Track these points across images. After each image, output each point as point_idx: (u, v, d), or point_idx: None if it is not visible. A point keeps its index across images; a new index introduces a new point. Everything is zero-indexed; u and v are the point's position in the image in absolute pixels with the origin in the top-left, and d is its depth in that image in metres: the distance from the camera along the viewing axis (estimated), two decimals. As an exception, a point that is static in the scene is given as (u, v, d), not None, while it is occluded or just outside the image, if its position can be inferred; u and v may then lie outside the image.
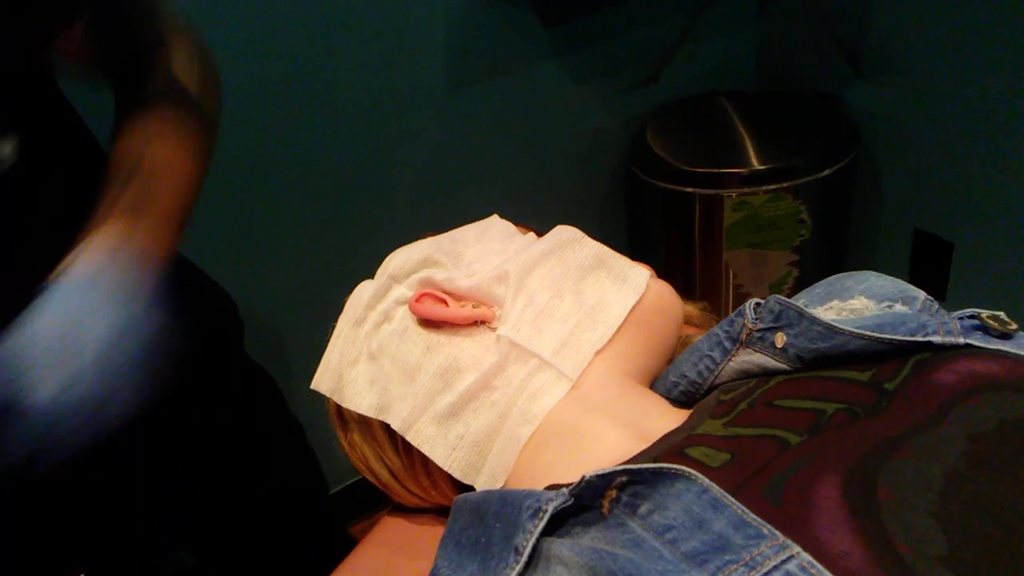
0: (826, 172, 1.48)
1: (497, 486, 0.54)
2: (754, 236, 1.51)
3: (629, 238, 1.77)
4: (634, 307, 0.58)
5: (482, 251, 0.62)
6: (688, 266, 1.58)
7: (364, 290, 0.63)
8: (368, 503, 1.44)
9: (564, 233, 0.62)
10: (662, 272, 0.62)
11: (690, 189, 1.50)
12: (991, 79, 1.37)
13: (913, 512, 0.36)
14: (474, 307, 0.58)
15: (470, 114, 1.46)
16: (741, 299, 1.58)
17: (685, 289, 1.51)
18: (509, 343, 0.56)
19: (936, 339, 0.46)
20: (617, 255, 0.61)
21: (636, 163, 1.59)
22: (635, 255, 0.61)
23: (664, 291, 0.60)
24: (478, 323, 0.58)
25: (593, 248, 0.61)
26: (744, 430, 0.45)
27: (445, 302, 0.59)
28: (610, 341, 0.56)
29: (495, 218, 0.67)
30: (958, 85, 1.42)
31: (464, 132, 1.46)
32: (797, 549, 0.35)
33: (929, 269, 1.59)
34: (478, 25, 1.39)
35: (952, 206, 1.52)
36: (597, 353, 0.56)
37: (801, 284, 1.56)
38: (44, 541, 0.66)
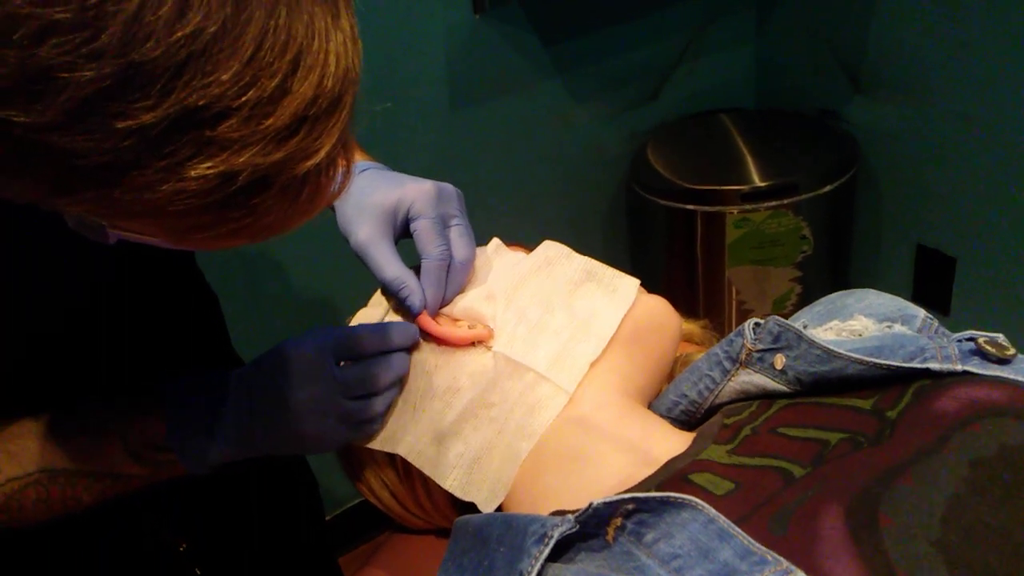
0: (827, 188, 1.48)
1: (497, 504, 0.54)
2: (756, 253, 1.51)
3: (631, 256, 1.77)
4: (628, 323, 0.58)
5: (472, 271, 0.63)
6: (691, 283, 1.58)
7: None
8: (369, 526, 1.43)
9: (551, 249, 0.63)
10: (664, 290, 0.62)
11: (692, 206, 1.50)
12: (991, 93, 1.37)
13: (915, 540, 0.36)
14: (470, 327, 0.59)
15: (471, 133, 1.47)
16: (744, 316, 1.58)
17: (688, 307, 1.51)
18: (504, 359, 0.57)
19: (934, 365, 0.46)
20: (605, 267, 0.61)
21: (637, 181, 1.59)
22: (637, 273, 0.61)
23: (657, 306, 0.60)
24: (475, 343, 0.58)
25: (581, 262, 0.62)
26: (749, 459, 0.45)
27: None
28: (605, 355, 0.56)
29: (493, 241, 0.67)
30: (958, 100, 1.42)
31: (465, 151, 1.47)
32: (801, 574, 0.35)
33: (932, 284, 1.59)
34: (479, 45, 1.40)
35: (954, 221, 1.52)
36: (593, 366, 0.56)
37: (804, 300, 1.55)
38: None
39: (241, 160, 0.33)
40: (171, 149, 0.32)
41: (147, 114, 0.31)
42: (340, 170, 0.39)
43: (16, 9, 0.28)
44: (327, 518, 1.53)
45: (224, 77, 0.32)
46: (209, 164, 0.33)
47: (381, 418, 0.57)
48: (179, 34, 0.30)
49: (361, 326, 0.56)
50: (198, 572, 0.74)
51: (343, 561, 0.97)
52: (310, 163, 0.35)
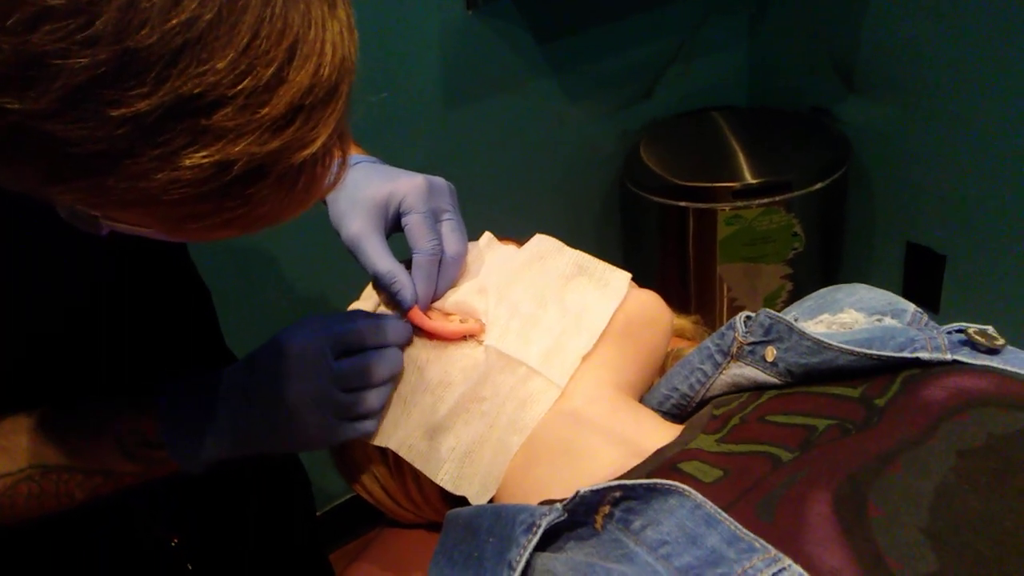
0: (819, 186, 1.49)
1: (488, 497, 0.54)
2: (748, 249, 1.51)
3: (624, 252, 1.78)
4: (620, 316, 0.58)
5: (464, 266, 0.63)
6: (683, 280, 1.59)
7: None
8: (361, 521, 1.43)
9: (543, 243, 0.63)
10: (657, 285, 0.62)
11: (684, 203, 1.50)
12: (981, 93, 1.38)
13: (904, 528, 0.36)
14: (462, 321, 0.59)
15: (466, 131, 1.47)
16: (736, 312, 1.57)
17: (680, 303, 1.50)
18: (496, 353, 0.57)
19: (924, 355, 0.46)
20: (597, 261, 0.61)
21: (630, 178, 1.60)
22: (630, 269, 0.61)
23: (649, 299, 0.60)
24: (467, 337, 0.58)
25: (572, 256, 0.62)
26: (737, 446, 0.46)
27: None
28: (597, 349, 0.56)
29: (485, 236, 0.67)
30: (949, 99, 1.43)
31: (459, 148, 1.47)
32: (788, 562, 0.36)
33: (922, 282, 1.60)
34: (473, 43, 1.40)
35: (944, 219, 1.52)
36: (584, 359, 0.56)
37: (795, 297, 1.55)
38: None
39: (237, 149, 0.33)
40: (166, 138, 0.32)
41: (142, 102, 0.31)
42: (336, 161, 0.39)
43: None
44: (318, 514, 1.53)
45: (220, 65, 0.31)
46: (204, 153, 0.33)
47: (377, 415, 0.57)
48: (174, 21, 0.30)
49: (357, 319, 0.56)
50: (190, 568, 0.74)
51: (334, 557, 0.97)
52: (306, 153, 0.35)
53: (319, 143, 0.36)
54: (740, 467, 0.43)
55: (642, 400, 0.60)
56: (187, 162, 0.33)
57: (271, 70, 0.33)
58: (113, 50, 0.30)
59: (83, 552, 0.67)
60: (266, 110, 0.33)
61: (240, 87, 0.32)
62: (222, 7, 0.31)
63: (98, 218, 0.37)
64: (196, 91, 0.31)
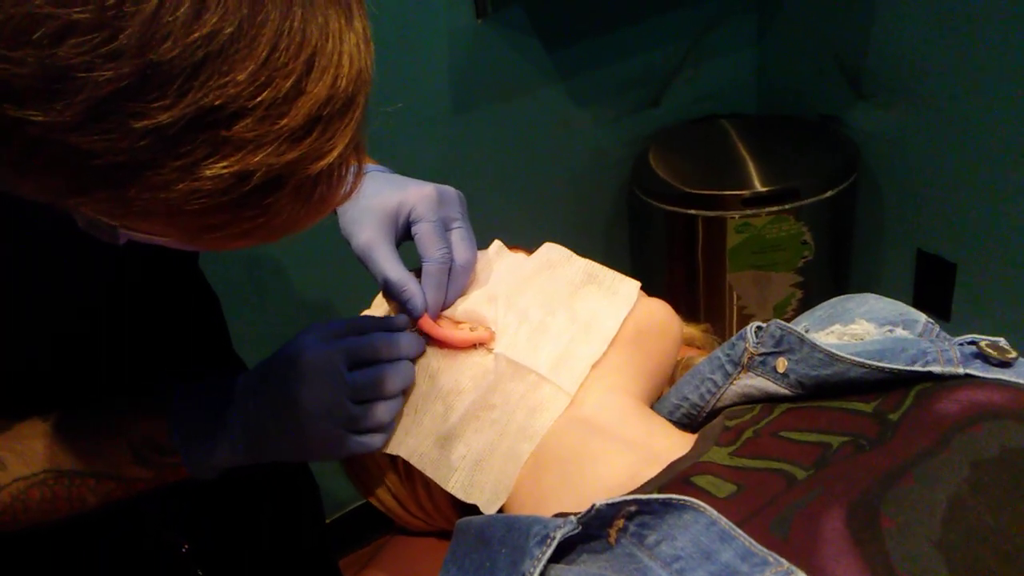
0: (828, 193, 1.49)
1: (499, 505, 0.54)
2: (757, 258, 1.51)
3: (632, 260, 1.77)
4: (630, 324, 0.58)
5: (474, 274, 0.63)
6: (692, 288, 1.58)
7: None
8: (370, 528, 1.43)
9: (553, 252, 0.63)
10: (665, 294, 0.62)
11: (693, 211, 1.50)
12: (992, 100, 1.37)
13: (916, 540, 0.36)
14: (472, 330, 0.59)
15: (474, 138, 1.47)
16: (745, 321, 1.58)
17: (689, 311, 1.50)
18: (506, 360, 0.57)
19: (936, 368, 0.46)
20: (606, 269, 0.62)
21: (639, 185, 1.60)
22: (638, 277, 0.61)
23: (658, 308, 0.60)
24: (477, 345, 0.58)
25: (582, 264, 0.62)
26: (751, 462, 0.45)
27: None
28: (607, 356, 0.56)
29: (494, 244, 0.68)
30: (959, 106, 1.42)
31: (468, 155, 1.48)
32: (801, 574, 0.35)
33: (932, 290, 1.59)
34: (481, 50, 1.41)
35: (954, 227, 1.52)
36: (594, 367, 0.56)
37: (805, 305, 1.56)
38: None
39: (256, 160, 0.34)
40: (187, 149, 0.32)
41: (164, 114, 0.31)
42: (351, 171, 0.39)
43: (36, 9, 0.29)
44: (328, 520, 1.53)
45: (240, 77, 0.32)
46: (224, 164, 0.33)
47: (385, 430, 0.57)
48: (196, 35, 0.31)
49: (370, 329, 0.56)
50: (200, 574, 0.74)
51: (344, 564, 0.98)
52: (323, 163, 0.36)
53: (336, 154, 0.36)
54: (754, 483, 0.43)
55: (652, 409, 0.59)
56: (207, 173, 0.33)
57: (290, 82, 0.33)
58: (136, 63, 0.30)
59: (92, 556, 0.67)
60: (285, 121, 0.34)
61: (260, 99, 0.33)
62: (243, 20, 0.32)
63: (117, 228, 0.38)
64: (217, 103, 0.32)
